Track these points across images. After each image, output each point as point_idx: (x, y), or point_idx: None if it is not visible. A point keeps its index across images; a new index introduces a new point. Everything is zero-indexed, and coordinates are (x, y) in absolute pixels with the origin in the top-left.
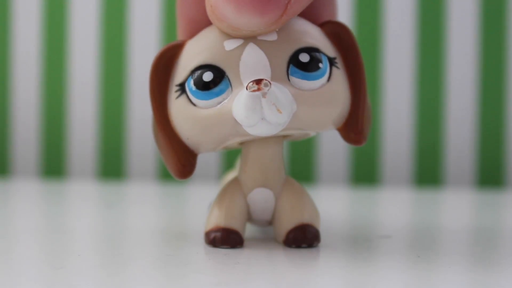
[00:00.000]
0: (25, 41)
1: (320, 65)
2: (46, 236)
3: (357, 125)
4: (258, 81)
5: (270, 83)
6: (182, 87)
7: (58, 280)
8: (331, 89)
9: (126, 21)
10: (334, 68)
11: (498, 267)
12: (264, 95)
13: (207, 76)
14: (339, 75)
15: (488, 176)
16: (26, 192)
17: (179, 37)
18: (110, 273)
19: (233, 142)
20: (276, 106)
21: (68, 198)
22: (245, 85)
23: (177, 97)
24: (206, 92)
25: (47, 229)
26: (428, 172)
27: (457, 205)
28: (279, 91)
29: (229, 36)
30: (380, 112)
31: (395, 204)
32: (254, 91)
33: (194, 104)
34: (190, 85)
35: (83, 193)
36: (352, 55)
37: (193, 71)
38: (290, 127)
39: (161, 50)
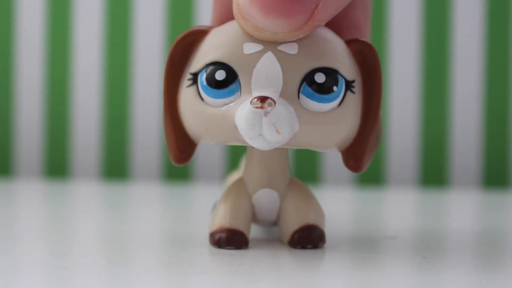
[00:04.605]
0: (29, 41)
1: (335, 88)
2: (49, 236)
3: (358, 152)
4: (263, 99)
5: (274, 103)
6: (195, 77)
7: (62, 280)
8: (339, 115)
9: (130, 21)
10: (349, 93)
11: (504, 268)
12: (265, 114)
13: (220, 75)
14: (353, 100)
15: (493, 176)
16: (30, 192)
17: (211, 20)
18: (114, 273)
19: (233, 144)
20: (275, 126)
21: (72, 199)
22: (253, 94)
23: (188, 85)
24: (216, 90)
25: (50, 230)
26: (433, 172)
27: (463, 206)
28: (283, 110)
29: (250, 39)
30: (385, 113)
31: (400, 205)
32: (257, 107)
33: (202, 98)
34: (202, 79)
35: (86, 194)
36: (373, 79)
37: (207, 65)
38: (289, 144)
39: (185, 33)
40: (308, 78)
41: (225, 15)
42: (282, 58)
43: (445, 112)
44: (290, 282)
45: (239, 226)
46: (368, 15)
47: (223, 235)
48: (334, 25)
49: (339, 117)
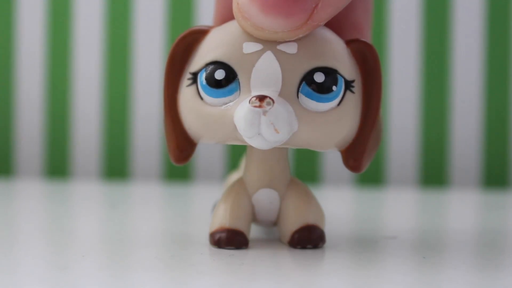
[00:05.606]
0: (29, 41)
1: (334, 87)
2: (50, 236)
3: (358, 152)
4: (261, 98)
5: (273, 102)
6: (194, 76)
7: (62, 280)
8: (338, 114)
9: (130, 22)
10: (348, 92)
11: (504, 268)
12: (264, 113)
13: (219, 74)
14: (352, 100)
15: (494, 176)
16: (30, 192)
17: (213, 20)
18: (114, 273)
19: (232, 143)
20: (274, 125)
21: (72, 198)
22: (252, 94)
23: (188, 85)
24: (215, 90)
25: (51, 230)
26: (433, 172)
27: (463, 206)
28: (282, 110)
29: (250, 38)
30: (386, 113)
31: (400, 205)
32: (255, 106)
33: (201, 98)
34: (202, 78)
35: (87, 193)
36: (373, 79)
37: (207, 65)
38: (288, 143)
39: (185, 33)
40: (308, 78)
41: (226, 15)
42: (281, 57)
43: (445, 112)
44: (290, 282)
45: (239, 226)
46: (369, 16)
47: (223, 235)
48: (334, 25)
49: (338, 116)
